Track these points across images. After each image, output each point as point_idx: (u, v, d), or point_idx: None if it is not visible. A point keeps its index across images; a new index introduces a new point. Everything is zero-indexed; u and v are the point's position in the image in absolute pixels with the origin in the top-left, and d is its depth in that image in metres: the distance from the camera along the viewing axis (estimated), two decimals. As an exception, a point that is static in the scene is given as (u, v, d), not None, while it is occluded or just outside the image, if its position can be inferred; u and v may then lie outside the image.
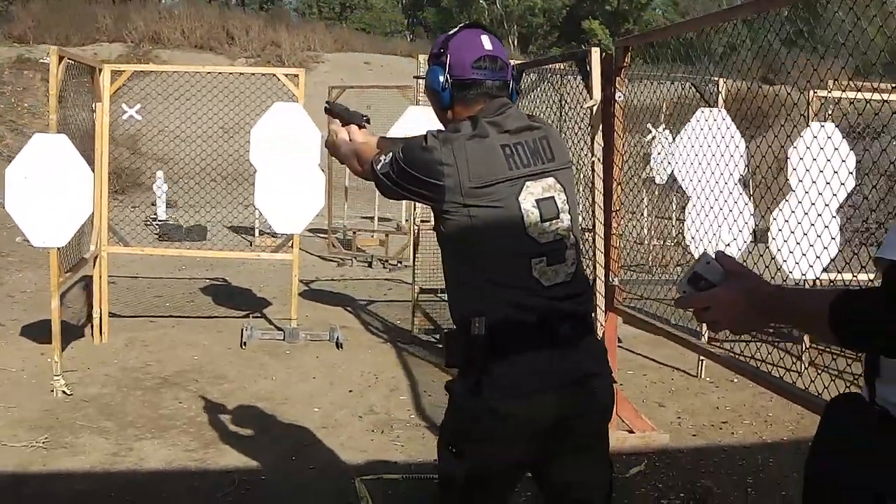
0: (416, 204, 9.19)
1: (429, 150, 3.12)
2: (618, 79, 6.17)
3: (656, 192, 13.98)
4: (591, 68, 6.12)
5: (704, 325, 7.70)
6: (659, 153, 12.52)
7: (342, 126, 3.61)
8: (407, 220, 15.30)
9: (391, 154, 3.25)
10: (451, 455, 3.24)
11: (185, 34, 29.24)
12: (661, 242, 13.84)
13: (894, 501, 1.90)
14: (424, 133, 3.20)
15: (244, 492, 5.47)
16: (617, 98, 6.17)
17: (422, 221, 9.36)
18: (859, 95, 7.48)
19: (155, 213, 17.41)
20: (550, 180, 3.24)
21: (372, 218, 16.61)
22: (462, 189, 3.09)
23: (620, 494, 5.62)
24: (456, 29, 3.42)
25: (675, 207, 14.17)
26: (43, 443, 6.12)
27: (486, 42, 3.31)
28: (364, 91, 16.58)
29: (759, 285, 2.16)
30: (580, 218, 3.57)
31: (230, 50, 29.29)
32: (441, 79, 3.29)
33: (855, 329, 1.93)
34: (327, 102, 3.81)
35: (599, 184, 6.17)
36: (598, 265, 6.23)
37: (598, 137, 6.14)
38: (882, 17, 4.17)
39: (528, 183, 3.17)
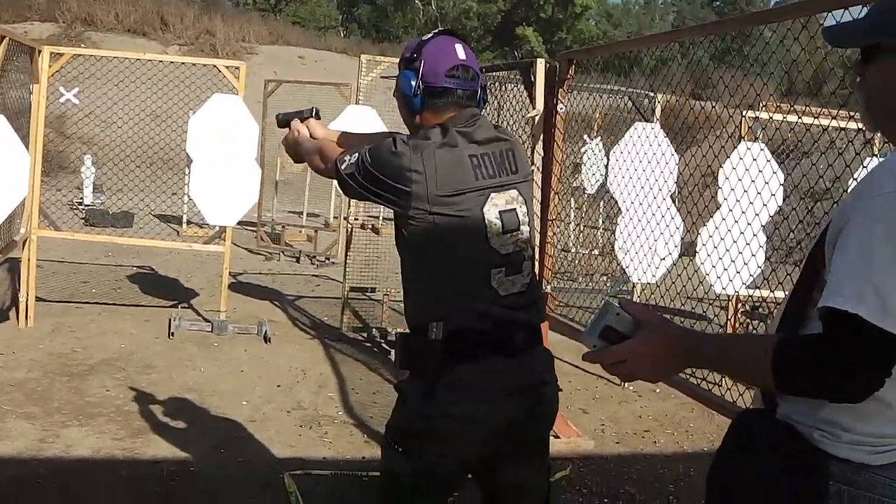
0: (349, 202, 9.24)
1: (398, 155, 3.12)
2: (560, 90, 6.26)
3: (584, 201, 14.13)
4: (535, 78, 6.21)
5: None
6: (591, 163, 12.67)
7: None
8: (335, 217, 15.34)
9: (357, 154, 3.24)
10: (397, 454, 3.26)
11: (118, 18, 28.92)
12: (588, 251, 13.98)
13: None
14: (392, 137, 3.22)
15: (173, 482, 5.47)
16: (559, 109, 6.26)
17: (354, 220, 9.40)
18: (788, 117, 7.68)
19: (81, 198, 17.22)
20: (514, 192, 3.28)
21: (300, 213, 16.59)
22: (429, 197, 3.10)
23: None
24: (430, 35, 3.40)
25: (602, 217, 14.34)
26: (-33, 427, 6.08)
27: (461, 51, 3.30)
28: (301, 86, 16.57)
29: (677, 333, 2.17)
30: None
31: (163, 36, 29.04)
32: (413, 84, 3.28)
33: (800, 377, 1.96)
34: (278, 115, 3.84)
35: (537, 193, 6.25)
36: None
37: (539, 147, 6.23)
38: (806, 38, 4.30)
39: (493, 194, 3.21)
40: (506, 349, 3.19)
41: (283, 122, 3.73)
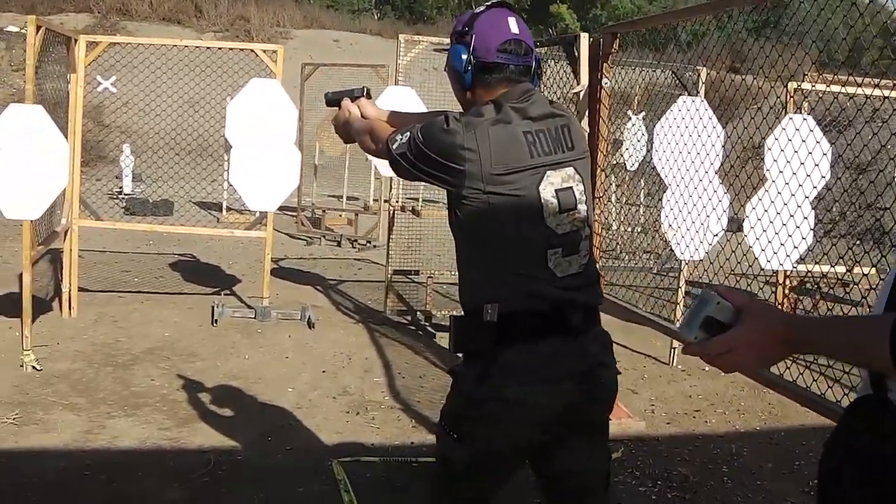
0: (391, 184, 9.16)
1: (450, 133, 3.03)
2: (605, 65, 6.14)
3: (627, 178, 14.00)
4: (579, 54, 6.10)
5: (678, 313, 7.79)
6: (632, 139, 12.53)
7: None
8: (375, 200, 15.26)
9: (408, 133, 3.15)
10: (452, 439, 3.19)
11: (153, 6, 28.94)
12: (630, 229, 13.84)
13: None
14: (444, 114, 3.11)
15: (220, 472, 5.42)
16: (603, 84, 6.14)
17: (395, 202, 9.31)
18: (832, 87, 7.52)
19: (120, 187, 17.25)
20: (570, 170, 3.17)
21: (339, 197, 16.53)
22: (483, 175, 3.01)
23: (598, 481, 5.64)
24: (483, 7, 3.26)
25: (643, 194, 14.20)
26: (14, 419, 6.04)
27: (514, 25, 3.19)
28: (338, 69, 16.48)
29: (782, 319, 2.07)
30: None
31: (198, 24, 29.06)
32: (464, 58, 3.19)
33: None
34: (327, 94, 3.75)
35: (584, 170, 6.14)
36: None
37: (584, 123, 6.12)
38: (845, 8, 4.18)
39: (548, 172, 3.10)
40: (563, 331, 3.09)
41: (332, 101, 3.67)
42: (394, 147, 3.19)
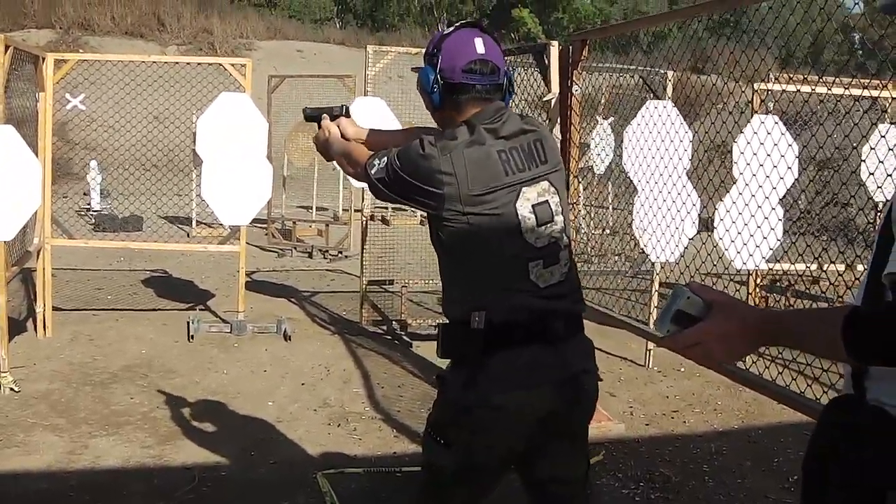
0: (363, 195, 9.18)
1: (426, 157, 3.12)
2: (574, 72, 6.19)
3: (594, 182, 14.06)
4: (549, 61, 6.15)
5: (653, 314, 7.84)
6: (600, 143, 12.60)
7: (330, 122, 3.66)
8: (345, 210, 15.28)
9: (385, 159, 3.24)
10: (438, 445, 3.26)
11: (115, 20, 28.79)
12: (600, 232, 13.92)
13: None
14: (420, 138, 3.19)
15: (205, 488, 5.42)
16: (574, 91, 6.19)
17: (370, 214, 9.33)
18: (802, 88, 7.60)
19: (88, 203, 17.17)
20: (545, 184, 3.26)
21: (309, 208, 16.53)
22: (461, 197, 3.10)
23: (581, 485, 5.68)
24: (452, 28, 3.34)
25: (611, 197, 14.29)
26: (-6, 441, 6.03)
27: (479, 46, 3.26)
28: (304, 80, 16.49)
29: (749, 312, 2.15)
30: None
31: (161, 37, 28.93)
32: (431, 79, 3.28)
33: (872, 345, 1.89)
34: (305, 109, 3.81)
35: (557, 177, 6.18)
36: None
37: (556, 131, 6.16)
38: (804, 7, 4.25)
39: (523, 189, 3.19)
40: (546, 339, 3.18)
41: (311, 117, 3.72)
42: (372, 172, 3.27)
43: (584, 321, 3.35)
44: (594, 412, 3.53)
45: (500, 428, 3.18)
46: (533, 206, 3.21)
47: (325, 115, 3.65)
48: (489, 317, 3.15)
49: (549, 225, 3.24)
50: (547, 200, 3.25)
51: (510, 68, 3.44)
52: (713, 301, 2.12)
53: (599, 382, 3.49)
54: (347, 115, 3.69)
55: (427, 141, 3.16)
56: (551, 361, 3.19)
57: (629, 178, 7.25)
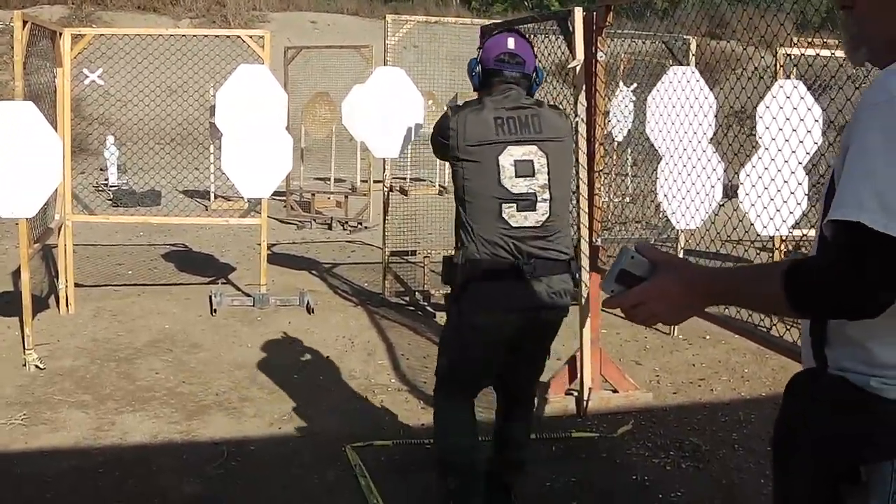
0: (384, 165, 9.17)
1: (445, 118, 4.40)
2: (599, 38, 6.12)
3: (615, 149, 13.97)
4: (573, 28, 6.07)
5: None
6: (620, 110, 12.50)
7: None
8: (364, 181, 15.21)
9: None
10: (442, 352, 4.66)
11: (127, -6, 28.66)
12: (620, 199, 13.83)
13: (863, 455, 2.04)
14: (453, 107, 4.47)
15: (234, 463, 5.42)
16: (599, 57, 6.12)
17: (390, 185, 9.29)
18: (821, 52, 7.51)
19: (106, 179, 17.12)
20: (532, 147, 4.33)
21: (327, 179, 16.48)
22: (459, 147, 4.31)
23: (612, 454, 5.67)
24: (498, 31, 4.74)
25: (630, 164, 14.19)
26: (21, 420, 6.02)
27: (511, 43, 4.42)
28: (319, 51, 16.41)
29: (693, 272, 2.19)
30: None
31: (174, 10, 28.73)
32: (474, 66, 4.52)
33: (811, 297, 1.97)
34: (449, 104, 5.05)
35: (583, 144, 6.13)
36: (581, 226, 6.20)
37: (581, 98, 6.10)
38: None
39: (509, 147, 4.28)
40: (516, 275, 4.24)
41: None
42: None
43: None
44: (554, 336, 4.64)
45: (481, 341, 4.35)
46: (515, 160, 4.28)
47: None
48: (468, 252, 4.27)
49: (528, 178, 4.28)
50: (531, 160, 4.30)
51: (539, 63, 4.66)
52: (657, 261, 2.17)
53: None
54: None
55: (451, 108, 4.44)
56: (519, 294, 4.26)
57: (649, 145, 7.19)
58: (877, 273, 1.85)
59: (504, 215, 4.23)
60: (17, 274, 8.96)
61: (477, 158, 4.26)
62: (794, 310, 2.02)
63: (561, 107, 5.04)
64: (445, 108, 4.38)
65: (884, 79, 1.95)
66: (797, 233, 7.70)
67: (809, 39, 7.90)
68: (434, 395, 4.80)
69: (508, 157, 4.26)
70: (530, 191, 4.27)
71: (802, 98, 6.29)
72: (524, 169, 4.26)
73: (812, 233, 7.78)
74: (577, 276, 4.75)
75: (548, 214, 4.31)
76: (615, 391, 6.42)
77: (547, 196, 4.30)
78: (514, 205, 4.24)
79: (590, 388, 6.26)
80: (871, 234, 1.83)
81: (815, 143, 6.47)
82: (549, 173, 4.31)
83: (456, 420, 4.64)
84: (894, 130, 1.86)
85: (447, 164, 4.63)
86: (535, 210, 4.27)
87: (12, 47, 7.18)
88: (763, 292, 2.06)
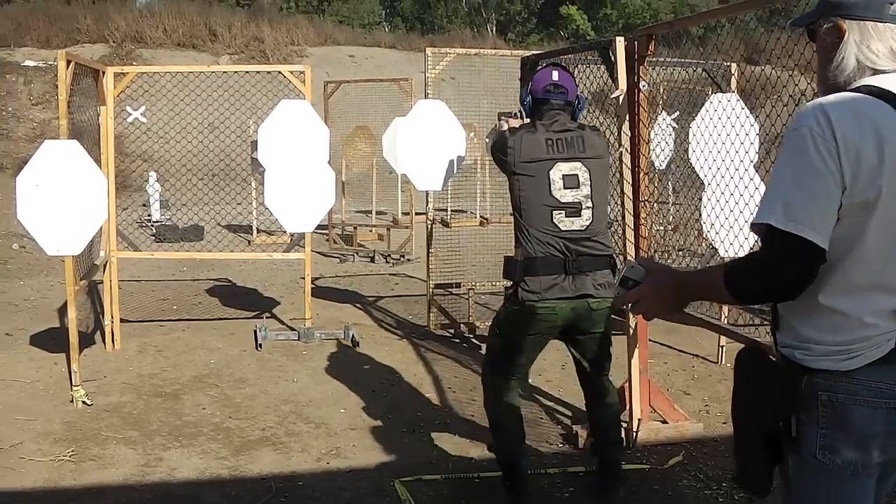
0: (427, 199, 9.18)
1: (504, 138, 5.17)
2: (641, 67, 6.10)
3: (657, 177, 13.91)
4: (615, 58, 6.06)
5: (724, 311, 7.72)
6: (660, 138, 12.44)
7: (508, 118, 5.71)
8: (405, 214, 15.23)
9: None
10: (495, 334, 5.40)
11: (167, 32, 28.80)
12: (662, 227, 13.76)
13: (797, 416, 2.63)
14: (510, 129, 5.28)
15: (283, 499, 5.40)
16: (641, 87, 6.10)
17: (432, 217, 9.29)
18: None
19: (149, 214, 17.26)
20: (577, 164, 5.06)
21: (368, 212, 16.52)
22: (515, 163, 5.08)
23: (663, 486, 5.60)
24: (544, 65, 5.69)
25: (671, 193, 14.12)
26: (70, 456, 6.03)
27: (555, 75, 5.18)
28: (359, 85, 16.49)
29: (675, 274, 2.81)
30: (609, 204, 5.56)
31: (213, 47, 28.94)
32: (525, 96, 5.31)
33: (743, 286, 2.58)
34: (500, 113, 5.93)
35: (628, 174, 6.11)
36: (627, 255, 6.17)
37: (625, 127, 6.07)
38: None
39: (559, 163, 5.04)
40: (565, 269, 4.98)
41: (505, 115, 5.83)
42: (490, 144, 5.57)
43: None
44: (608, 323, 5.24)
45: (531, 325, 5.06)
46: (563, 175, 5.02)
47: (509, 116, 5.83)
48: (525, 251, 5.02)
49: (574, 189, 5.02)
50: (577, 174, 5.04)
51: (581, 93, 5.42)
52: (650, 268, 2.78)
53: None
54: (518, 116, 5.77)
55: (509, 131, 5.23)
56: (567, 286, 4.97)
57: (690, 172, 7.15)
58: (786, 262, 2.46)
59: (554, 220, 5.01)
60: (63, 310, 9.02)
61: (531, 173, 5.03)
62: (733, 297, 2.63)
63: (599, 128, 5.64)
64: (486, 140, 5.22)
65: (800, 112, 2.56)
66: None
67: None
68: (483, 370, 5.57)
69: (558, 172, 5.02)
70: (576, 200, 5.03)
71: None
72: (571, 182, 5.02)
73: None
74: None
75: (591, 220, 5.06)
76: (664, 422, 6.36)
77: (590, 204, 5.06)
78: (563, 211, 5.01)
79: (639, 420, 6.21)
80: (778, 232, 2.45)
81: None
82: (591, 185, 5.06)
83: (504, 389, 5.35)
84: (794, 153, 2.50)
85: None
86: (580, 216, 5.03)
87: (56, 86, 7.23)
88: (717, 287, 2.61)
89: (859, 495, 2.65)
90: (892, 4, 2.61)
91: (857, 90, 2.59)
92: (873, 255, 2.52)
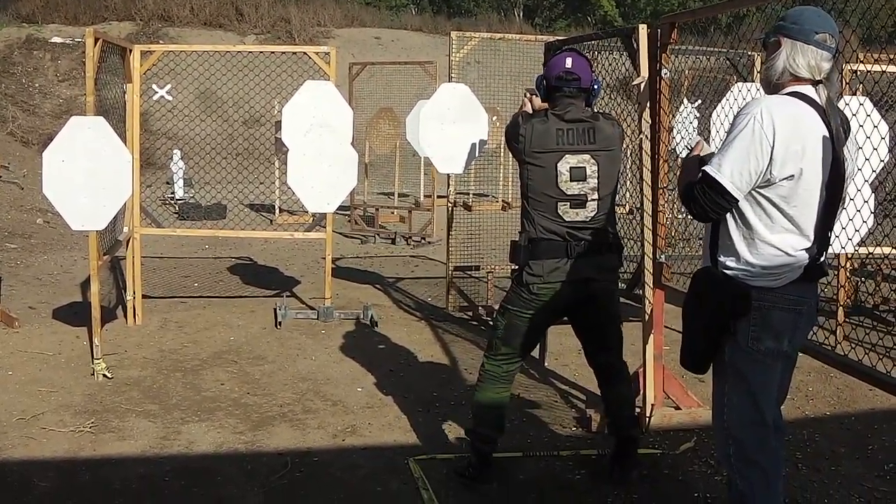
0: (449, 181, 9.21)
1: (516, 125, 5.18)
2: (663, 55, 6.12)
3: (678, 165, 13.89)
4: (638, 45, 6.08)
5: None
6: (683, 126, 12.43)
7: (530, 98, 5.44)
8: (427, 196, 15.27)
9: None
10: (501, 314, 5.40)
11: (194, 11, 28.83)
12: (683, 216, 13.74)
13: (735, 318, 3.80)
14: (523, 115, 5.24)
15: (298, 474, 5.47)
16: (663, 74, 6.12)
17: (454, 200, 9.33)
18: (887, 68, 7.44)
19: (172, 192, 17.36)
20: (586, 156, 5.10)
21: (390, 194, 16.57)
22: (525, 151, 5.12)
23: (674, 471, 5.64)
24: (559, 51, 5.61)
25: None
26: (90, 427, 6.12)
27: (569, 62, 5.19)
28: (383, 67, 16.51)
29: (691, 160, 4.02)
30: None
31: (239, 27, 28.97)
32: (540, 81, 5.32)
33: (684, 199, 3.87)
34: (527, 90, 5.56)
35: (647, 161, 6.13)
36: (646, 242, 6.20)
37: (646, 114, 6.10)
38: None
39: (567, 155, 5.08)
40: (566, 254, 5.09)
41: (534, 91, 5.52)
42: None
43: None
44: (603, 305, 5.31)
45: (534, 306, 5.18)
46: (571, 167, 5.07)
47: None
48: (529, 236, 5.12)
49: (580, 182, 5.08)
50: (584, 167, 5.09)
51: (596, 77, 5.33)
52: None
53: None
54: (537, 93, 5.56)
55: (522, 117, 5.20)
56: (570, 269, 5.08)
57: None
58: (708, 197, 3.71)
59: (559, 211, 5.10)
60: (86, 285, 9.12)
61: (540, 164, 5.09)
62: (679, 196, 3.95)
63: (613, 115, 5.78)
64: (517, 118, 5.22)
65: (753, 101, 3.68)
66: (863, 251, 7.64)
67: (876, 55, 7.83)
68: (485, 354, 5.56)
69: (566, 164, 5.07)
70: (581, 193, 5.11)
71: (869, 115, 6.24)
72: (578, 174, 5.08)
73: (879, 250, 7.74)
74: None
75: (596, 211, 5.16)
76: (678, 408, 6.40)
77: (596, 196, 5.14)
78: (568, 203, 5.10)
79: (652, 405, 6.24)
80: (710, 177, 3.68)
81: (882, 161, 6.41)
82: (598, 178, 5.12)
83: (498, 378, 5.45)
84: (740, 133, 3.60)
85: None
86: (584, 208, 5.13)
87: (83, 63, 7.29)
88: (684, 182, 3.93)
89: (770, 372, 3.92)
90: (817, 34, 3.70)
91: (791, 94, 3.72)
92: (796, 210, 3.69)
